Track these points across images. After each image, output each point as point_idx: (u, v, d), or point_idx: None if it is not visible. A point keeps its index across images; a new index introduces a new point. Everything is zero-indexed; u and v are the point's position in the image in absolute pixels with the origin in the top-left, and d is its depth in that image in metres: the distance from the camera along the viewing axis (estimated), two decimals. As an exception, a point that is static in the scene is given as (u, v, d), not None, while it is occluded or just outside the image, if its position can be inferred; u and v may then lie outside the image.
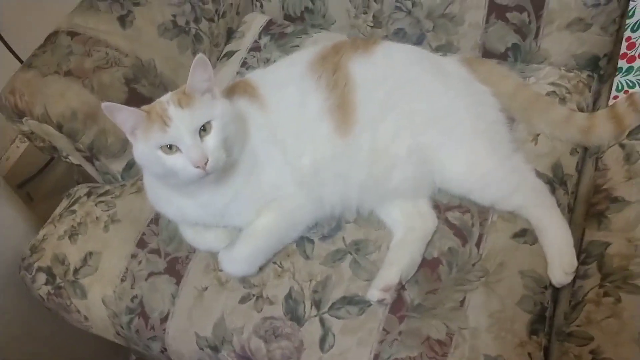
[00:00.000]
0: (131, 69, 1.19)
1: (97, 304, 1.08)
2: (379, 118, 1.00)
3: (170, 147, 0.86)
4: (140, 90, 1.19)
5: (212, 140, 0.88)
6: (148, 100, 1.02)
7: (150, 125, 0.86)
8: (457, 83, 1.07)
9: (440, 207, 1.04)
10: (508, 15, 1.20)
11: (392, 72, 1.04)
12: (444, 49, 1.30)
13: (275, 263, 1.02)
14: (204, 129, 0.87)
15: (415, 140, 1.00)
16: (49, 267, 1.12)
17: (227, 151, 0.90)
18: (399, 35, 1.33)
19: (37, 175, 1.81)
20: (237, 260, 0.99)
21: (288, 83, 1.03)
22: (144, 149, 0.88)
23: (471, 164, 1.01)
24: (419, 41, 1.31)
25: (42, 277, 1.12)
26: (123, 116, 0.87)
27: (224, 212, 0.99)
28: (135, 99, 1.16)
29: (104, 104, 0.85)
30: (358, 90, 1.01)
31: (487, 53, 1.27)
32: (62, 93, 1.10)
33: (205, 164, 0.86)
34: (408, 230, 0.99)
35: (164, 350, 1.06)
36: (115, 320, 1.07)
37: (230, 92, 1.03)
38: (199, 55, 0.87)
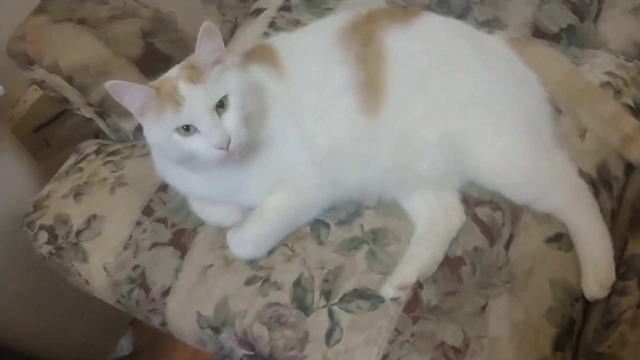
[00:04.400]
0: (149, 22, 1.11)
1: (98, 269, 1.03)
2: (411, 99, 0.91)
3: (188, 128, 0.79)
4: (158, 45, 1.11)
5: (231, 117, 0.81)
6: (165, 57, 0.95)
7: (161, 105, 0.79)
8: (501, 66, 0.96)
9: (469, 201, 0.95)
10: (567, -8, 1.09)
11: (430, 49, 0.94)
12: (490, 24, 1.18)
13: (286, 245, 0.95)
14: (220, 105, 0.80)
15: (448, 126, 0.91)
16: (51, 227, 1.07)
17: (248, 127, 0.83)
18: (443, 5, 1.22)
19: (54, 119, 1.76)
20: (246, 242, 0.93)
21: (312, 52, 0.94)
22: (158, 133, 0.81)
23: (506, 158, 0.91)
24: (463, 13, 1.20)
25: (43, 236, 1.07)
26: (131, 95, 0.79)
27: (234, 189, 0.92)
28: (152, 56, 1.09)
29: (108, 83, 0.77)
30: (390, 66, 0.91)
31: (538, 32, 1.16)
32: (73, 43, 1.03)
33: (228, 144, 0.79)
34: (431, 225, 0.91)
35: (164, 323, 1.01)
36: (116, 288, 1.02)
37: (248, 57, 0.94)
38: (206, 23, 0.78)
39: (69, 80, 1.03)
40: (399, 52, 0.92)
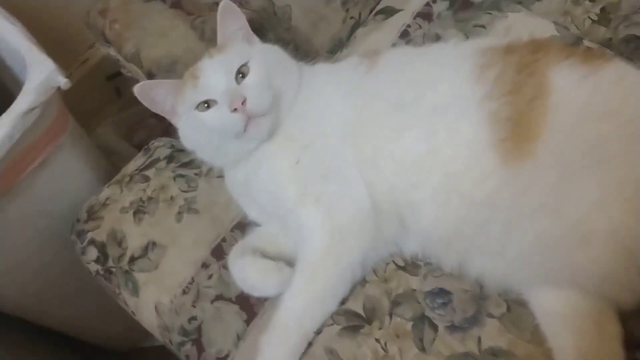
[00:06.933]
0: (259, 15, 0.89)
1: (148, 307, 0.86)
2: (574, 169, 0.67)
3: (208, 105, 0.76)
4: (263, 45, 0.89)
5: (249, 80, 0.76)
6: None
7: (185, 89, 0.77)
8: None
9: (631, 340, 0.71)
10: None
11: (621, 110, 0.69)
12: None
13: (377, 341, 0.75)
14: (242, 75, 0.76)
15: (628, 217, 0.66)
16: (103, 244, 0.90)
17: (273, 94, 0.76)
18: (628, 46, 0.93)
19: (129, 68, 1.61)
20: None
21: (426, 57, 0.81)
22: (184, 120, 0.79)
23: None
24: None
25: (93, 252, 0.91)
26: (161, 93, 0.78)
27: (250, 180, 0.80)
28: (254, 57, 0.87)
29: (136, 87, 0.77)
30: (552, 112, 0.68)
31: None
32: (163, 32, 0.83)
33: (243, 104, 0.73)
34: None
35: (213, 388, 0.84)
36: (166, 333, 0.86)
37: None
38: (223, 2, 0.77)
39: (150, 75, 0.84)
40: (571, 99, 0.69)
